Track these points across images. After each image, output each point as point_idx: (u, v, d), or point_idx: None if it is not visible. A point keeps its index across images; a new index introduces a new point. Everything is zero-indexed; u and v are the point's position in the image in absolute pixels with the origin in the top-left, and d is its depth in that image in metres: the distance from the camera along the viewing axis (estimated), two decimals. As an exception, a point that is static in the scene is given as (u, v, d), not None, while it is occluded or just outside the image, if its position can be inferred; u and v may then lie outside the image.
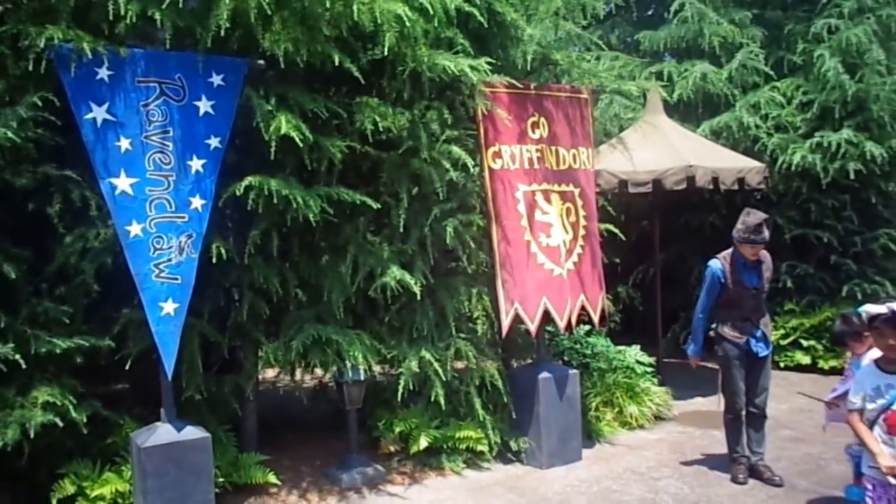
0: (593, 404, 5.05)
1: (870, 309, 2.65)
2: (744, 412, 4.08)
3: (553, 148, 4.54)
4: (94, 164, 3.15)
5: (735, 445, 4.13)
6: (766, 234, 3.94)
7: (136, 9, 3.12)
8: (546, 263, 4.40)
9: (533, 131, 4.45)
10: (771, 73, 7.07)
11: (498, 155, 4.30)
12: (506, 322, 4.30)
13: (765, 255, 4.09)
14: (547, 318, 4.43)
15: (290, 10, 3.45)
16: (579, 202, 4.63)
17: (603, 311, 4.79)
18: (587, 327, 5.50)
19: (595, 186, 4.91)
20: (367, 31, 3.62)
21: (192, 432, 3.42)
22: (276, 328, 4.09)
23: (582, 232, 4.61)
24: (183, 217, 3.35)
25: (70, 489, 3.40)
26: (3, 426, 3.10)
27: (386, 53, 3.62)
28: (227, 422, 4.09)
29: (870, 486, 2.87)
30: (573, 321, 4.54)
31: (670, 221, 7.11)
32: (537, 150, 4.45)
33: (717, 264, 4.09)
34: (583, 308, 4.57)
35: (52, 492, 3.40)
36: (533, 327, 4.37)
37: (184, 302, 3.32)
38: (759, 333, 4.02)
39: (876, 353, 2.93)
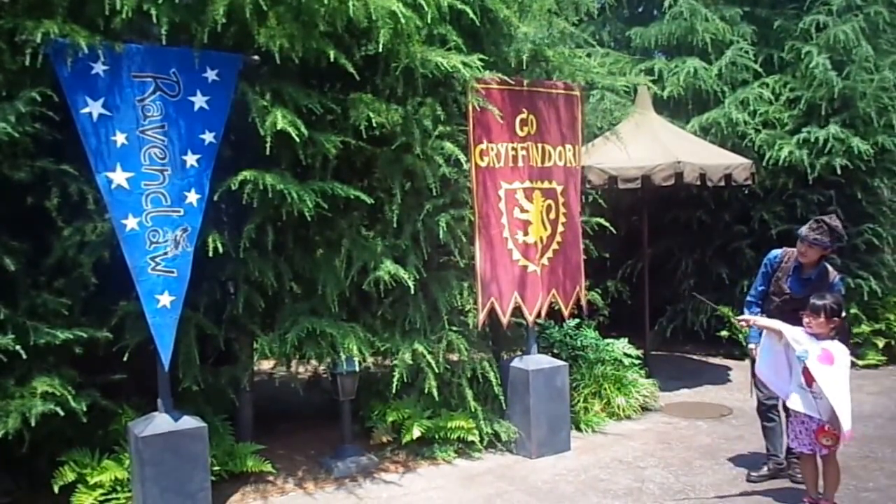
0: (582, 395, 5.15)
1: None
2: (774, 404, 3.94)
3: (540, 145, 4.60)
4: (91, 159, 3.18)
5: (766, 442, 4.06)
6: (816, 235, 3.58)
7: (132, 4, 3.13)
8: (521, 260, 4.52)
9: (521, 128, 4.51)
10: (760, 69, 7.13)
11: (485, 153, 4.37)
12: (481, 315, 4.40)
13: (831, 275, 3.74)
14: (517, 311, 4.55)
15: (286, 6, 3.47)
16: (561, 199, 4.71)
17: (581, 303, 4.88)
18: (577, 320, 5.59)
19: (581, 183, 4.98)
20: (361, 27, 3.65)
21: (189, 422, 3.48)
22: (271, 321, 4.14)
23: (561, 228, 4.70)
24: (178, 211, 3.39)
25: (70, 476, 3.47)
26: (4, 415, 3.15)
27: (380, 50, 3.66)
28: (223, 412, 4.16)
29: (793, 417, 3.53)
30: (543, 314, 4.65)
31: (658, 217, 7.19)
32: (523, 148, 4.51)
33: (777, 251, 3.87)
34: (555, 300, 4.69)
35: (53, 479, 3.46)
36: (504, 321, 4.51)
37: (180, 295, 3.37)
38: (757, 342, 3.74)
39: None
